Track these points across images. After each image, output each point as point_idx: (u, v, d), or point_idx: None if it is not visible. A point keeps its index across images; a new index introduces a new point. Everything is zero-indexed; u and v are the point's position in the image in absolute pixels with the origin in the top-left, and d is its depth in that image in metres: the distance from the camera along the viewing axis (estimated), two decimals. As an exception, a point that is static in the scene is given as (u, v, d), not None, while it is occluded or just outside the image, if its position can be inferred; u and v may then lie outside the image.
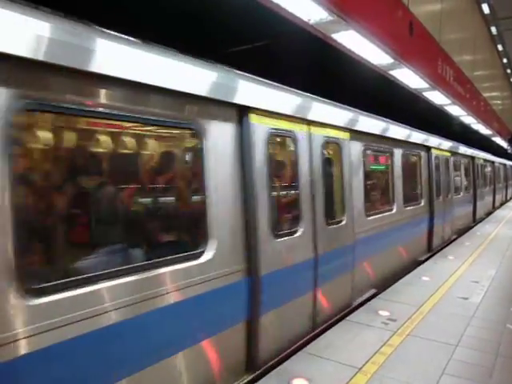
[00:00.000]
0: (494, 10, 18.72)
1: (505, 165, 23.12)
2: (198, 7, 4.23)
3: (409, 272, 6.96)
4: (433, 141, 9.09)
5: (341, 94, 5.55)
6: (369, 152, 6.24)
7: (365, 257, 5.53)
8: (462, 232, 11.38)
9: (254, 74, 3.80)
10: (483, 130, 16.23)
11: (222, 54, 3.99)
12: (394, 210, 6.69)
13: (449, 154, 10.44)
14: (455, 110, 11.14)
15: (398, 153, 6.97)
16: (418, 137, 8.14)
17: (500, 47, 23.88)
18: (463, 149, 12.39)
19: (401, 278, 6.56)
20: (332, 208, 4.96)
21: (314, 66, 5.86)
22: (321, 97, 4.87)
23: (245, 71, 3.72)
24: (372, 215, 5.89)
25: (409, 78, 7.03)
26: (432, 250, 8.70)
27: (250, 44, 5.37)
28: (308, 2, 3.72)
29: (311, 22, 4.08)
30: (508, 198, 23.89)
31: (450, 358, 3.82)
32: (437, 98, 9.09)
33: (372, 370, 3.55)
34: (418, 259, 7.93)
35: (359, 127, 5.50)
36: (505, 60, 26.34)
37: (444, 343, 4.13)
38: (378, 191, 7.01)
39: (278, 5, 3.69)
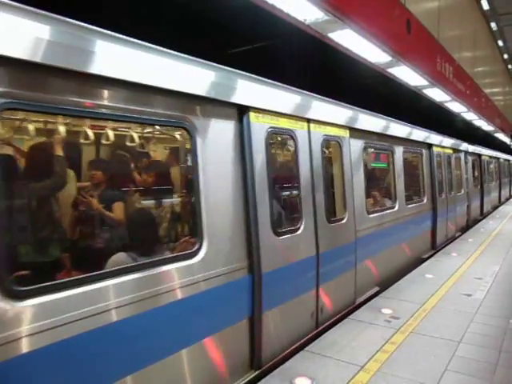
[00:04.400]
0: (493, 5, 18.65)
1: None
2: (196, 9, 4.26)
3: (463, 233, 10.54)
4: (470, 147, 12.53)
5: (343, 93, 5.54)
6: (438, 157, 9.32)
7: (440, 220, 9.01)
8: (490, 212, 15.22)
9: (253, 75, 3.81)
10: (485, 126, 16.18)
11: (223, 56, 4.00)
12: (452, 194, 10.04)
13: (481, 157, 14.16)
14: (456, 107, 11.13)
15: (452, 157, 10.38)
16: (463, 145, 11.68)
17: (501, 43, 23.77)
18: (491, 152, 16.87)
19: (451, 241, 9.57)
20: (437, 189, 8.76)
21: (314, 66, 5.86)
22: (322, 95, 4.91)
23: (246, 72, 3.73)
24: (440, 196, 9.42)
25: (408, 75, 7.04)
26: (469, 226, 11.64)
27: (250, 45, 5.39)
28: (303, 2, 3.73)
29: (307, 21, 4.09)
30: None
31: (453, 354, 3.82)
32: (437, 94, 9.09)
33: (375, 368, 3.55)
34: (464, 225, 11.40)
35: (433, 142, 8.86)
36: (506, 56, 26.24)
37: (447, 340, 4.12)
38: (441, 182, 9.88)
39: (273, 5, 3.71)
